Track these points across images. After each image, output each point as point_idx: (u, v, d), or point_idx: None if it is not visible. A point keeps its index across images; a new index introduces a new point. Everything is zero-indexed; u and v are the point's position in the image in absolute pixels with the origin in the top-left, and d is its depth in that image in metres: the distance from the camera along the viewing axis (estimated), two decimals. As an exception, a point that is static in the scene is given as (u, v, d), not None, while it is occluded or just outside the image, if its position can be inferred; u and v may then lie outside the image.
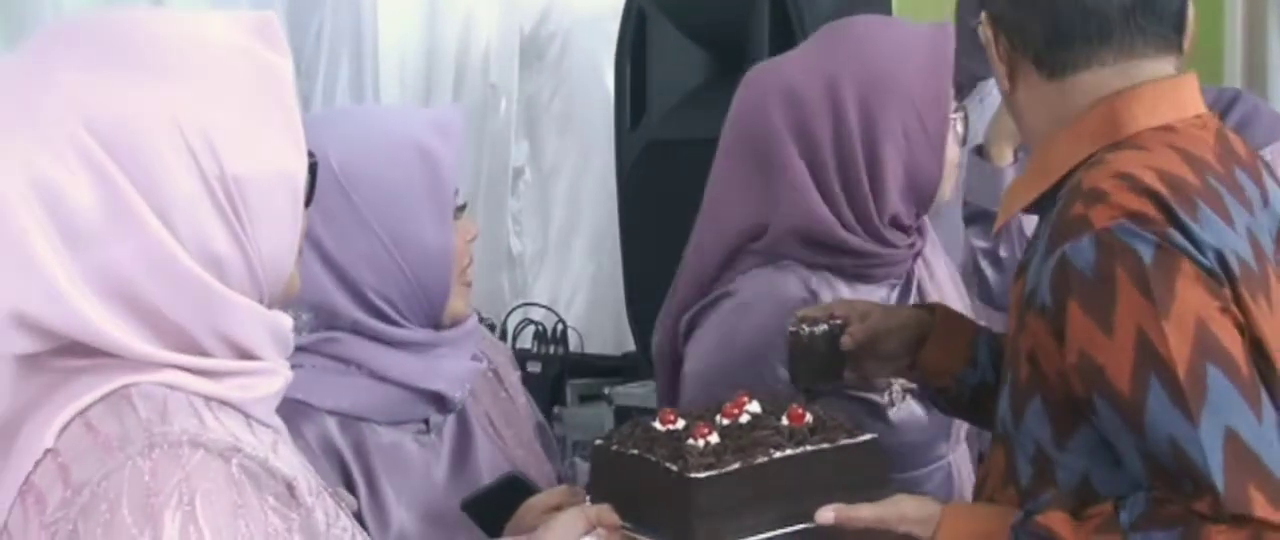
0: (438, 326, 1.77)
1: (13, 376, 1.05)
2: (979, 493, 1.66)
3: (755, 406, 1.64)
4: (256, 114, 1.09)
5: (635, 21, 3.58)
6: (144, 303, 1.06)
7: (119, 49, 1.07)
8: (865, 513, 1.55)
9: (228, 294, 1.09)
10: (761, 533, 1.56)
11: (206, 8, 3.68)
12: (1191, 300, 1.37)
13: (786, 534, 1.57)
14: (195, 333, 1.08)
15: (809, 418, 1.62)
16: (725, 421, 1.62)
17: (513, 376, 1.96)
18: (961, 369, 1.79)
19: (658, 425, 1.62)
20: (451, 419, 1.80)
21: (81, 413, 1.04)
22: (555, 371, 3.96)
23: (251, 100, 1.09)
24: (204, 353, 1.09)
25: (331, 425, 1.69)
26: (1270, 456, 1.36)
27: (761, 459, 1.56)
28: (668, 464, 1.55)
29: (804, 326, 1.83)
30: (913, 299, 2.07)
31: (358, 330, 1.72)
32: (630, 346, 3.79)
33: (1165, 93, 1.53)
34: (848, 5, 3.55)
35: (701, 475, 1.53)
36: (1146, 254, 1.38)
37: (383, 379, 1.72)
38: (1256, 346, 1.40)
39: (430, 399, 1.75)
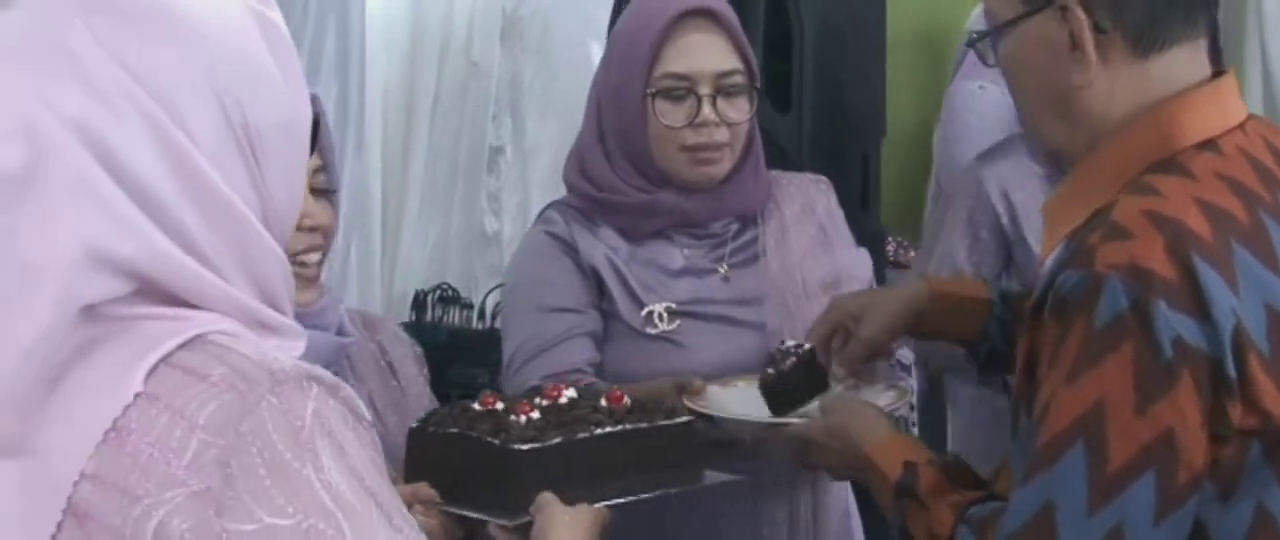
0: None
1: (67, 328, 1.02)
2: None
3: (572, 393, 1.72)
4: (268, 68, 1.12)
5: (626, 3, 3.58)
6: (202, 248, 1.06)
7: (140, 11, 1.08)
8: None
9: (268, 240, 1.11)
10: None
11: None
12: (1120, 379, 1.32)
13: (605, 507, 1.63)
14: (243, 280, 1.09)
15: (627, 400, 1.71)
16: (545, 403, 1.68)
17: (411, 370, 2.00)
18: (971, 338, 1.84)
19: (477, 406, 1.67)
20: None
21: (164, 359, 1.03)
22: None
23: (263, 55, 1.12)
24: (244, 302, 1.10)
25: None
26: None
27: (583, 434, 1.64)
28: (490, 438, 1.61)
29: (769, 370, 1.91)
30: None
31: None
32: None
33: (1214, 99, 1.48)
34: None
35: (524, 446, 1.59)
36: (1110, 315, 1.32)
37: None
38: (1267, 419, 1.33)
39: None
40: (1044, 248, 1.52)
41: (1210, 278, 1.33)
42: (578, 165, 2.23)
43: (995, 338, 1.84)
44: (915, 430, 2.16)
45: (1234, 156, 1.44)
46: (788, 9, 3.47)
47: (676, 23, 2.13)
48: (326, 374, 1.06)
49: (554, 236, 2.17)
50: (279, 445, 1.00)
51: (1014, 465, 1.44)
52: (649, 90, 2.12)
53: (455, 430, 1.65)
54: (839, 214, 2.29)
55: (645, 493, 1.70)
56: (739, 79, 2.14)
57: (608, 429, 1.67)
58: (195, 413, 1.00)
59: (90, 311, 1.03)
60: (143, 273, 1.04)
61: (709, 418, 1.90)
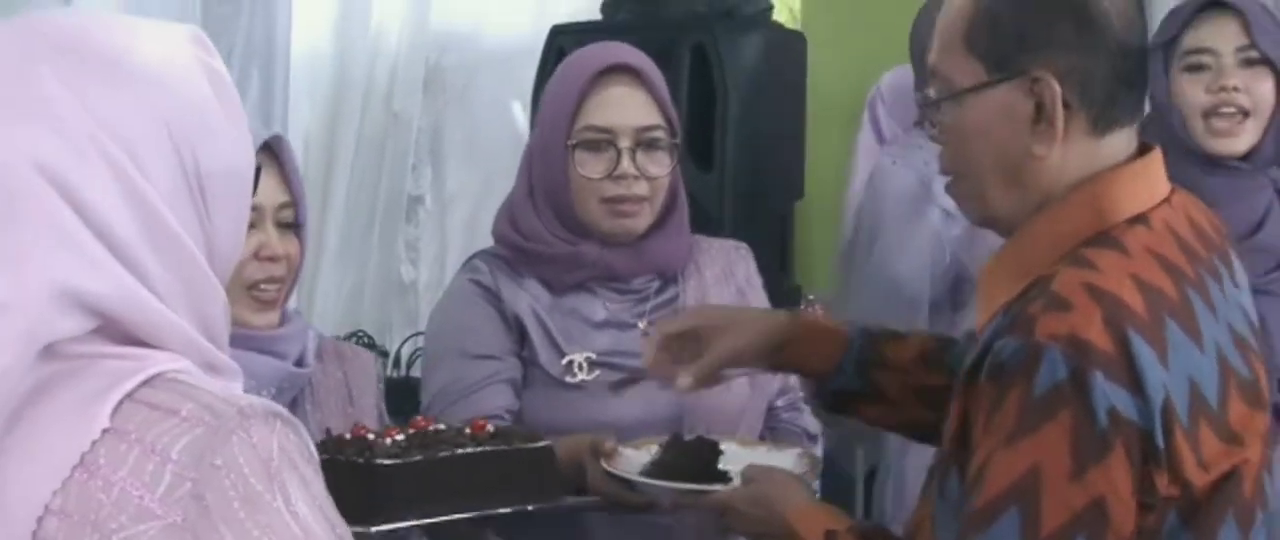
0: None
1: (26, 366, 1.03)
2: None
3: (441, 425, 1.80)
4: (216, 115, 1.14)
5: (555, 60, 3.63)
6: (159, 288, 1.08)
7: (98, 57, 1.10)
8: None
9: (213, 280, 1.13)
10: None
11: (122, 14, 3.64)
12: (1067, 450, 1.34)
13: (459, 520, 1.73)
14: (192, 319, 1.11)
15: (490, 427, 1.79)
16: (412, 431, 1.76)
17: (369, 401, 2.05)
18: (826, 373, 1.86)
19: (347, 435, 1.75)
20: None
21: (129, 395, 1.04)
22: (449, 400, 3.95)
23: (213, 104, 1.14)
24: (197, 342, 1.13)
25: None
26: None
27: (443, 454, 1.71)
28: (355, 458, 1.68)
29: (658, 454, 1.95)
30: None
31: None
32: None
33: (1144, 174, 1.51)
34: (766, 59, 3.66)
35: (387, 462, 1.67)
36: (1049, 384, 1.34)
37: None
38: (1186, 488, 1.37)
39: None
40: (980, 315, 1.52)
41: (1143, 352, 1.35)
42: (507, 217, 2.25)
43: (849, 374, 1.86)
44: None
45: (1161, 231, 1.48)
46: (711, 69, 3.53)
47: (599, 77, 2.17)
48: (284, 410, 1.09)
49: (478, 284, 2.19)
50: (251, 478, 1.02)
51: (940, 526, 1.47)
52: (570, 142, 2.15)
53: (325, 456, 1.71)
54: (757, 281, 2.32)
55: (504, 508, 1.78)
56: (660, 134, 2.17)
57: (468, 449, 1.74)
58: (167, 446, 1.02)
59: (49, 350, 1.04)
60: (109, 311, 1.05)
61: (628, 482, 1.93)
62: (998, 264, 1.55)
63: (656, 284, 2.24)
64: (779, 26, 3.90)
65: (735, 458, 1.96)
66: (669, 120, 2.18)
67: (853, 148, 4.48)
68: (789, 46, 3.83)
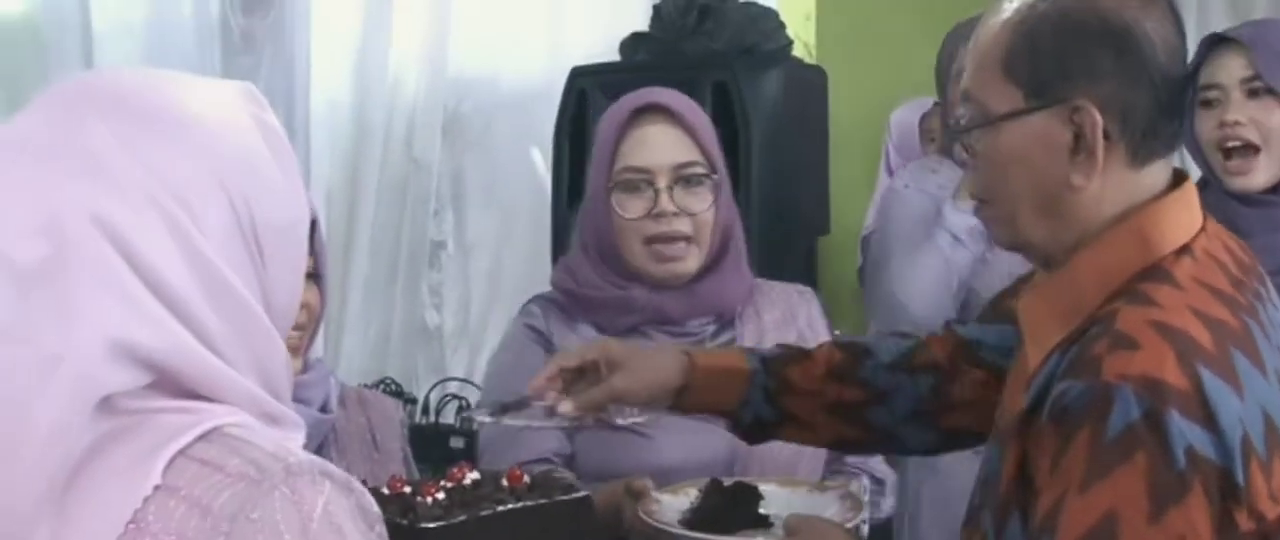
0: None
1: (84, 421, 1.03)
2: None
3: (475, 474, 1.79)
4: (269, 168, 1.15)
5: (576, 101, 3.64)
6: (216, 340, 1.08)
7: (152, 112, 1.11)
8: None
9: (273, 332, 1.13)
10: None
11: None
12: (1139, 490, 1.29)
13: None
14: (251, 372, 1.12)
15: (527, 478, 1.78)
16: (450, 484, 1.76)
17: (392, 444, 2.07)
18: (732, 409, 1.87)
19: (385, 491, 1.75)
20: None
21: (182, 451, 1.04)
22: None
23: (266, 157, 1.15)
24: (256, 394, 1.13)
25: None
26: None
27: (485, 512, 1.71)
28: (398, 519, 1.67)
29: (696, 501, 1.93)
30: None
31: None
32: (550, 423, 3.81)
33: (1183, 204, 1.49)
34: (786, 95, 3.66)
35: (431, 525, 1.66)
36: (1123, 425, 1.30)
37: None
38: (1261, 521, 1.33)
39: None
40: (1032, 354, 1.49)
41: (1217, 387, 1.32)
42: (564, 263, 2.27)
43: (758, 405, 1.86)
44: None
45: (1206, 261, 1.46)
46: (733, 107, 3.53)
47: (633, 119, 2.18)
48: (339, 471, 1.08)
49: (531, 328, 2.21)
50: (285, 535, 1.02)
51: None
52: (610, 185, 2.17)
53: None
54: (821, 325, 2.30)
55: None
56: (698, 170, 2.17)
57: (509, 505, 1.74)
58: (210, 502, 1.02)
59: (106, 404, 1.04)
60: (162, 364, 1.05)
61: (667, 533, 1.91)
62: (1041, 300, 1.52)
63: (712, 327, 2.23)
64: (799, 62, 3.89)
65: (775, 500, 1.94)
66: (708, 157, 2.18)
67: (875, 181, 4.49)
68: (809, 82, 3.83)
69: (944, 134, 3.20)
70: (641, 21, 3.93)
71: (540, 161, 4.32)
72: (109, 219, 1.05)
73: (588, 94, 3.62)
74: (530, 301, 2.27)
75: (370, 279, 4.35)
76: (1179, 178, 1.52)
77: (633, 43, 3.84)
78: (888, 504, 2.36)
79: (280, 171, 1.15)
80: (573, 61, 3.86)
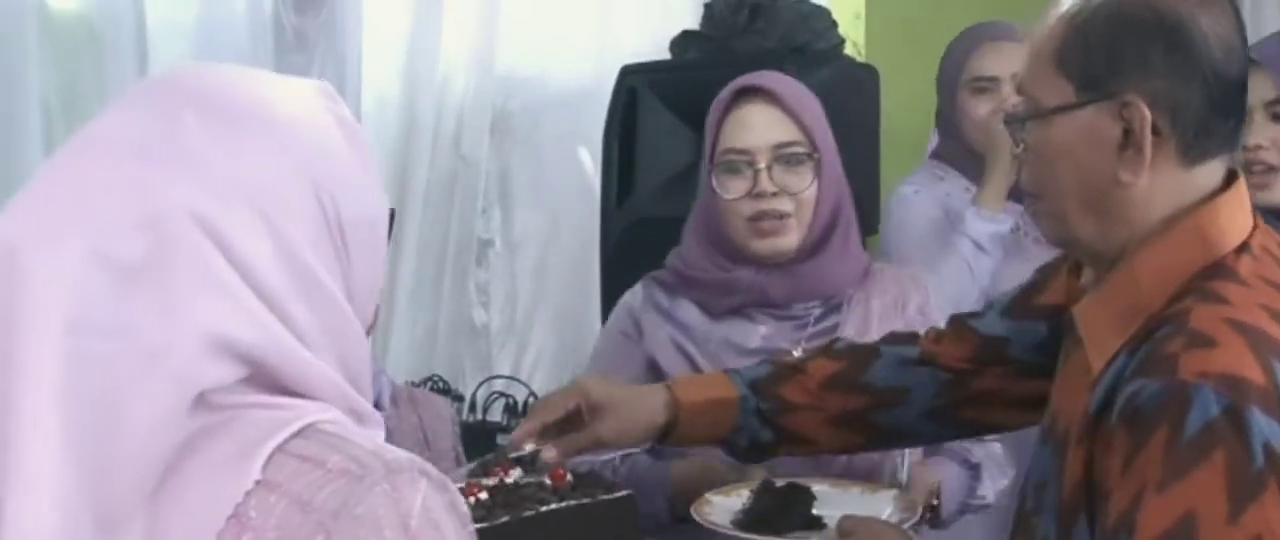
0: None
1: (183, 415, 1.04)
2: None
3: (518, 472, 1.83)
4: (351, 164, 1.17)
5: (626, 99, 3.63)
6: (308, 336, 1.10)
7: (241, 110, 1.13)
8: None
9: (358, 328, 1.16)
10: None
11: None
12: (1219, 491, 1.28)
13: None
14: (338, 368, 1.13)
15: (570, 477, 1.81)
16: (492, 482, 1.79)
17: (445, 444, 2.13)
18: (726, 437, 1.88)
19: None
20: None
21: (280, 447, 1.06)
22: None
23: (346, 152, 1.17)
24: (345, 390, 1.14)
25: None
26: None
27: (528, 512, 1.74)
28: None
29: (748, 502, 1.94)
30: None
31: None
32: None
33: (1238, 202, 1.48)
34: (837, 93, 3.64)
35: (476, 526, 1.67)
36: (1202, 424, 1.29)
37: None
38: None
39: None
40: (1094, 356, 1.48)
41: None
42: (679, 245, 2.34)
43: (755, 428, 1.88)
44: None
45: (1264, 258, 1.46)
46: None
47: (734, 101, 2.24)
48: (434, 470, 1.10)
49: (629, 311, 2.30)
50: (387, 532, 1.03)
51: None
52: (712, 167, 2.21)
53: None
54: (936, 312, 2.28)
55: None
56: (798, 149, 2.20)
57: (552, 505, 1.76)
58: (311, 497, 1.03)
59: (200, 400, 1.05)
60: (260, 359, 1.07)
61: (718, 533, 1.91)
62: (1101, 302, 1.51)
63: (818, 310, 2.25)
64: (850, 61, 3.88)
65: (828, 500, 1.94)
66: (809, 136, 2.19)
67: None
68: (861, 81, 3.81)
69: (941, 141, 3.18)
70: (692, 20, 3.92)
71: (588, 160, 4.32)
72: (207, 215, 1.07)
73: (638, 92, 3.61)
74: (646, 278, 2.34)
75: (418, 276, 4.36)
76: (1231, 176, 1.51)
77: (683, 41, 3.83)
78: (990, 487, 2.31)
79: (360, 166, 1.18)
80: (622, 60, 3.86)
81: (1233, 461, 1.29)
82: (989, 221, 2.82)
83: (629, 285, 3.57)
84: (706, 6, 3.84)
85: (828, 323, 2.24)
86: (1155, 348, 1.37)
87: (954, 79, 3.08)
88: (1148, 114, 1.44)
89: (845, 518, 1.80)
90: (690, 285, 2.25)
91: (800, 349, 2.20)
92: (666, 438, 1.92)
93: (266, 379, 1.08)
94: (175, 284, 1.05)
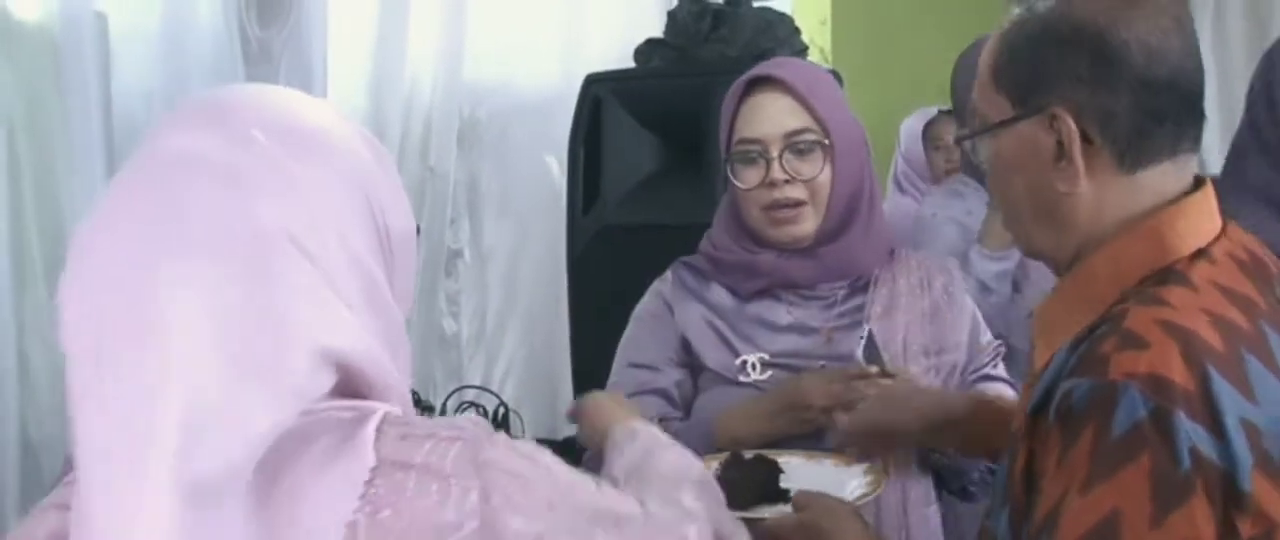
0: None
1: (288, 420, 1.08)
2: None
3: None
4: (389, 180, 1.26)
5: (590, 108, 3.63)
6: (382, 342, 1.18)
7: (304, 131, 1.20)
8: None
9: (404, 334, 1.24)
10: None
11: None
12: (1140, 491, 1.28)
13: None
14: (398, 368, 1.21)
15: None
16: None
17: None
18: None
19: None
20: None
21: (377, 432, 1.12)
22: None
23: (383, 170, 1.25)
24: (404, 391, 1.22)
25: None
26: None
27: None
28: None
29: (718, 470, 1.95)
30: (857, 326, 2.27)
31: None
32: (570, 431, 3.78)
33: (1201, 208, 1.48)
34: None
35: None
36: (1128, 424, 1.29)
37: None
38: (1270, 528, 1.30)
39: None
40: (1040, 353, 1.49)
41: (1224, 389, 1.31)
42: (711, 229, 2.38)
43: None
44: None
45: (1224, 264, 1.45)
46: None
47: (746, 92, 2.26)
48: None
49: (659, 295, 2.34)
50: (516, 463, 1.15)
51: None
52: (728, 157, 2.26)
53: None
54: (961, 296, 2.33)
55: None
56: (810, 136, 2.22)
57: None
58: (440, 463, 1.11)
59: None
60: (356, 366, 1.14)
61: None
62: (1055, 301, 1.52)
63: (844, 290, 2.29)
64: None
65: (797, 473, 1.95)
66: (821, 123, 2.23)
67: (888, 183, 4.48)
68: (825, 87, 3.81)
69: (962, 155, 3.20)
70: (656, 28, 3.93)
71: (556, 168, 4.32)
72: (294, 230, 1.13)
73: (602, 101, 3.61)
74: (677, 262, 2.39)
75: (386, 287, 4.35)
76: (1199, 182, 1.51)
77: (647, 49, 3.84)
78: None
79: (393, 182, 1.26)
80: (588, 68, 3.86)
81: (1158, 464, 1.28)
82: (992, 260, 2.83)
83: (596, 293, 3.59)
84: (670, 14, 3.84)
85: (854, 302, 2.28)
86: (1091, 347, 1.37)
87: (963, 95, 3.09)
88: (1073, 125, 1.45)
89: (799, 493, 1.81)
90: (719, 268, 2.31)
91: (828, 327, 2.25)
92: (942, 437, 1.97)
93: (349, 385, 1.15)
94: (279, 300, 1.10)
